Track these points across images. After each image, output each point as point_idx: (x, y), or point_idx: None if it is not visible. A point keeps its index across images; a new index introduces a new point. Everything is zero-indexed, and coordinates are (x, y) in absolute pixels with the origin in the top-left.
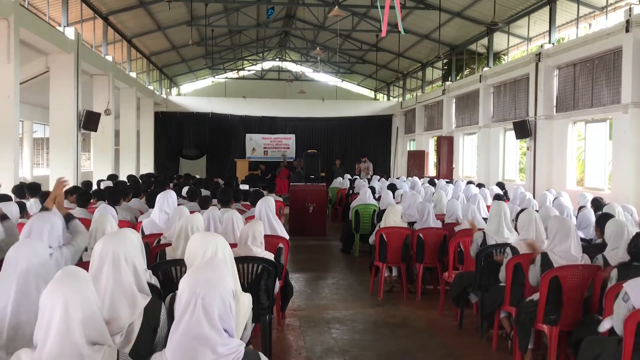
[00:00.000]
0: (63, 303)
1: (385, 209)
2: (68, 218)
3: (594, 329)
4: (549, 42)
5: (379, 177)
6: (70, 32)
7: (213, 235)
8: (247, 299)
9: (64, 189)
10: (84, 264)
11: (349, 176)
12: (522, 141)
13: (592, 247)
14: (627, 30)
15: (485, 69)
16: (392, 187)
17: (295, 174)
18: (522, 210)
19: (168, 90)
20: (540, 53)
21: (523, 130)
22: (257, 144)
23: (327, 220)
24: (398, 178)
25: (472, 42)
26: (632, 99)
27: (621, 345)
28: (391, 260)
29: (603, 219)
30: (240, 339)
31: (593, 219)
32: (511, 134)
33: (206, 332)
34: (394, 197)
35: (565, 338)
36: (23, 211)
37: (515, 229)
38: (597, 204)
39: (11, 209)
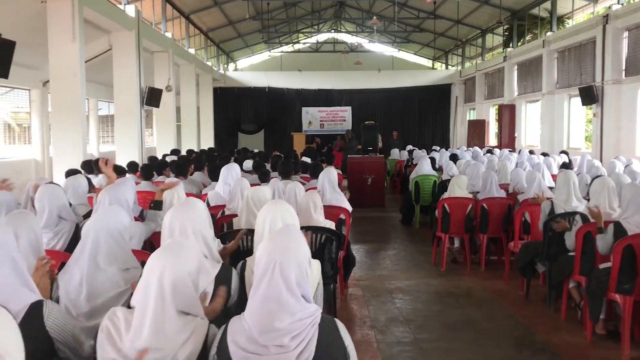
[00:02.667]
0: (160, 272)
1: (447, 180)
2: (157, 206)
3: None
4: (618, 3)
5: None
6: (130, 10)
7: (284, 203)
8: (315, 265)
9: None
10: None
11: (410, 147)
12: (587, 108)
13: None
14: None
15: (549, 33)
16: (454, 158)
17: (347, 145)
18: (596, 177)
19: (225, 65)
20: (607, 15)
21: (589, 96)
22: (313, 117)
23: (386, 192)
24: (458, 148)
25: (535, 6)
26: None
27: None
28: (454, 231)
29: None
30: None
31: None
32: (576, 101)
33: (284, 297)
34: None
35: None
36: (91, 186)
37: (586, 197)
38: None
39: (80, 182)
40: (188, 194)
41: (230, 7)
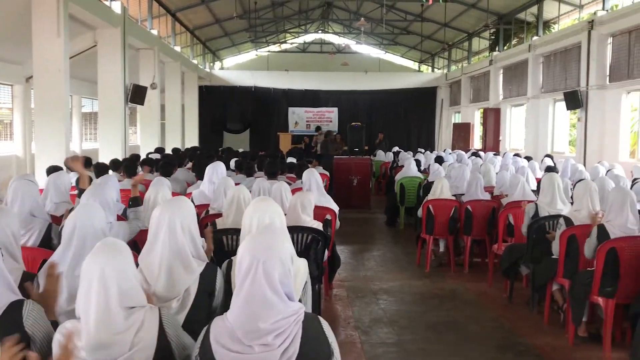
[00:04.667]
0: (99, 275)
1: (432, 182)
2: (135, 202)
3: None
4: (603, 9)
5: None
6: (116, 6)
7: (268, 201)
8: (302, 264)
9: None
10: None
11: (396, 148)
12: (572, 112)
13: None
14: None
15: (535, 38)
16: (439, 160)
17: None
18: (579, 181)
19: (211, 64)
20: (593, 20)
21: (574, 101)
22: (299, 118)
23: (371, 193)
24: (444, 151)
25: (521, 10)
26: None
27: None
28: (438, 233)
29: None
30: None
31: None
32: (561, 105)
33: (268, 297)
34: None
35: (621, 311)
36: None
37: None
38: None
39: (62, 179)
40: (173, 193)
41: (217, 6)
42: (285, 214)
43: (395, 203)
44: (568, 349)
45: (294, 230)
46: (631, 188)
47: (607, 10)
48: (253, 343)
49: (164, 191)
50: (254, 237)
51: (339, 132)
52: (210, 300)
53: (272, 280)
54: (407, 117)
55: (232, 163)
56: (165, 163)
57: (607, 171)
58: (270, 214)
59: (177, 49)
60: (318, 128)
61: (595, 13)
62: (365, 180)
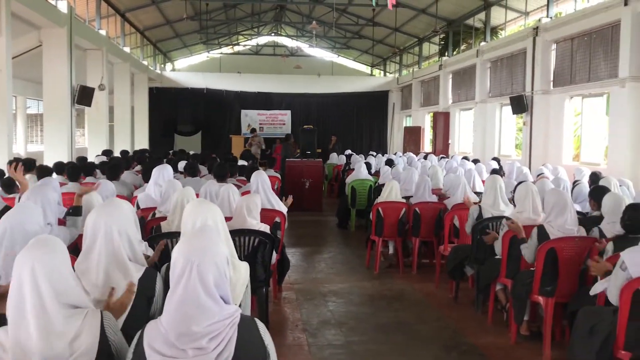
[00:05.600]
0: (30, 271)
1: (383, 184)
2: (76, 212)
3: (589, 300)
4: (547, 16)
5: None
6: (62, 6)
7: (206, 203)
8: (244, 267)
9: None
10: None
11: (349, 151)
12: (518, 116)
13: (587, 220)
14: (625, 4)
15: (482, 43)
16: (390, 163)
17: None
18: (519, 183)
19: (162, 65)
20: (537, 27)
21: (519, 105)
22: (252, 120)
23: (324, 196)
24: (395, 154)
25: (469, 16)
26: (630, 73)
27: (616, 315)
28: (387, 235)
29: (598, 192)
30: (239, 306)
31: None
32: (507, 109)
33: (202, 299)
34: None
35: (560, 310)
36: (14, 186)
37: (512, 202)
38: (595, 177)
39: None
40: (119, 196)
41: (168, 6)
42: (231, 217)
43: (346, 205)
44: (510, 348)
45: (240, 233)
46: (572, 190)
47: (551, 18)
48: (187, 347)
49: (97, 197)
50: (189, 239)
51: (292, 134)
52: (149, 306)
53: (206, 283)
54: (360, 120)
55: (181, 164)
56: (111, 166)
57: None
58: (210, 216)
59: (127, 49)
60: (253, 130)
61: (539, 20)
62: (318, 183)
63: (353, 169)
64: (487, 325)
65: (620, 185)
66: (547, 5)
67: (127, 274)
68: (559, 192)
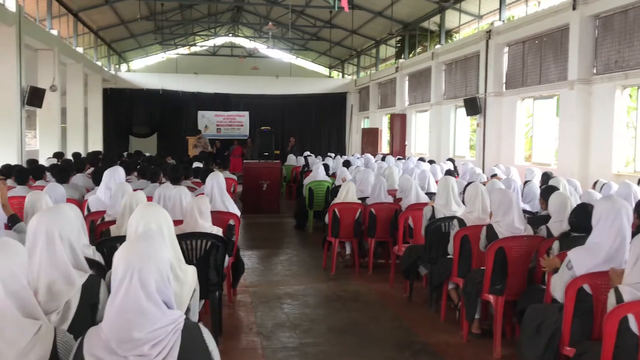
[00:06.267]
0: None
1: (340, 185)
2: (13, 220)
3: (537, 298)
4: (499, 20)
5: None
6: (10, 4)
7: (152, 207)
8: (190, 271)
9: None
10: None
11: (307, 153)
12: (472, 118)
13: (536, 219)
14: (574, 8)
15: (437, 46)
16: (347, 164)
17: (249, 151)
18: (469, 184)
19: (117, 66)
20: (490, 30)
21: (473, 107)
22: (209, 122)
23: (282, 197)
24: (353, 155)
25: (425, 19)
26: (579, 76)
27: (562, 312)
28: (343, 236)
29: (547, 191)
30: (186, 313)
31: (538, 192)
32: (462, 111)
33: (143, 305)
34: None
35: (510, 307)
36: None
37: (463, 202)
38: (546, 177)
39: None
40: (69, 200)
41: (122, 6)
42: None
43: (304, 207)
44: (462, 346)
45: (192, 236)
46: (523, 189)
47: (503, 21)
48: (128, 354)
49: (44, 200)
50: (131, 243)
51: (250, 136)
52: (93, 313)
53: (148, 288)
54: (319, 121)
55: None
56: (60, 169)
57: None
58: (154, 220)
59: (80, 50)
60: (198, 132)
61: (492, 24)
62: (275, 185)
63: (311, 171)
64: (440, 324)
65: (569, 186)
66: (500, 9)
67: (69, 280)
68: (503, 192)
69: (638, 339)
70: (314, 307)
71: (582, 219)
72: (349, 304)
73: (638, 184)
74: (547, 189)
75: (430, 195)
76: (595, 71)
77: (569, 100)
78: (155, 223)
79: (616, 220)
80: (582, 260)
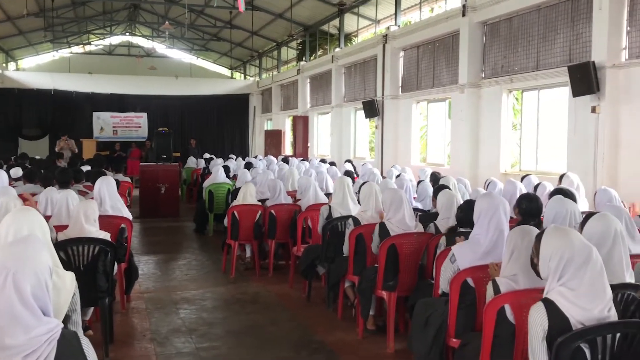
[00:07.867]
0: None
1: (240, 187)
2: None
3: (427, 293)
4: (395, 25)
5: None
6: None
7: (25, 211)
8: (69, 277)
9: None
10: None
11: (208, 155)
12: (371, 120)
13: (427, 216)
14: (463, 15)
15: (337, 49)
16: (249, 166)
17: (148, 154)
18: (364, 184)
19: (4, 64)
20: (387, 35)
21: (371, 109)
22: (105, 123)
23: (181, 201)
24: (256, 157)
25: (325, 22)
26: (468, 80)
27: (448, 305)
28: (243, 238)
29: (439, 190)
30: (64, 321)
31: (430, 190)
32: (361, 114)
33: (17, 311)
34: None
35: (403, 303)
36: None
37: (359, 201)
38: (435, 177)
39: None
40: None
41: (9, 1)
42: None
43: (204, 210)
44: (357, 342)
45: (77, 242)
46: (417, 189)
47: (399, 26)
48: None
49: None
50: (7, 246)
51: (149, 138)
52: None
53: (23, 292)
54: (221, 123)
55: (14, 171)
56: None
57: (398, 174)
58: (27, 225)
59: None
60: (63, 134)
61: (388, 28)
62: (174, 188)
63: (211, 173)
64: (337, 322)
65: (458, 184)
66: (395, 14)
67: None
68: (394, 190)
69: (514, 327)
70: (211, 311)
71: (467, 214)
72: (248, 307)
73: (521, 181)
74: (439, 188)
75: (329, 195)
76: (483, 75)
77: (460, 103)
78: (28, 228)
79: (494, 216)
80: (464, 255)
